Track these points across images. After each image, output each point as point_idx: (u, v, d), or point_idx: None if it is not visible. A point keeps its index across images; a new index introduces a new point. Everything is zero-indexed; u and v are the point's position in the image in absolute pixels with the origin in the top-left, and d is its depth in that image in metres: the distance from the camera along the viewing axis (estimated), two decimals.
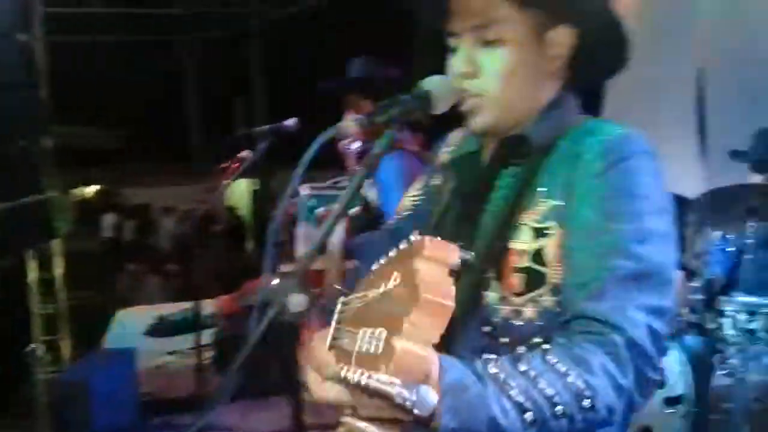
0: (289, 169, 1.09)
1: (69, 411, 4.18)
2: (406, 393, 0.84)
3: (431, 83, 1.20)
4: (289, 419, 3.39)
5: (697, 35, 5.20)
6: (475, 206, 1.25)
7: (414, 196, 1.50)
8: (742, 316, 3.30)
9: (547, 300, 1.12)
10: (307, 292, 0.94)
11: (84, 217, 11.75)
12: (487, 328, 1.16)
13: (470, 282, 1.15)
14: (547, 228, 1.14)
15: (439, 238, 0.97)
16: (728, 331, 3.34)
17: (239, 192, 14.81)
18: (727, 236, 3.45)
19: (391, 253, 1.03)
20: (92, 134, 16.30)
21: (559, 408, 0.98)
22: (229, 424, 4.21)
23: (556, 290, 1.12)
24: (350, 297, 1.14)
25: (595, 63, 1.27)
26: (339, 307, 1.15)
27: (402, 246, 1.01)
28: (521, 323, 1.13)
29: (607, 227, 1.09)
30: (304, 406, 3.30)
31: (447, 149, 1.45)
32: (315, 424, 3.25)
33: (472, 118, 1.24)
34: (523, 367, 1.00)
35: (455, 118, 1.27)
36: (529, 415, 0.96)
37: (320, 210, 2.52)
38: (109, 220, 12.50)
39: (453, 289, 0.93)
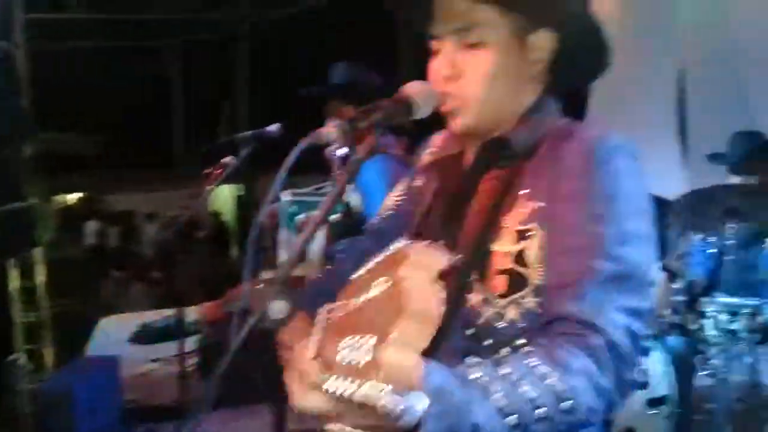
0: (273, 174, 1.08)
1: (52, 419, 4.13)
2: (393, 402, 0.84)
3: (412, 88, 1.21)
4: (272, 427, 3.37)
5: (678, 37, 5.24)
6: (458, 208, 1.26)
7: (397, 196, 1.51)
8: (724, 317, 3.33)
9: (530, 301, 1.13)
10: (289, 299, 0.93)
11: (66, 224, 11.68)
12: (470, 331, 1.16)
13: (453, 284, 1.15)
14: (529, 230, 1.15)
15: (426, 243, 0.96)
16: (710, 331, 3.36)
17: (223, 198, 14.78)
18: (708, 237, 3.47)
19: (377, 260, 1.02)
20: (75, 140, 16.20)
21: (540, 410, 0.99)
22: None
23: (538, 291, 1.12)
24: (335, 304, 1.13)
25: (576, 67, 1.28)
26: (324, 314, 1.14)
27: (388, 252, 1.00)
28: (504, 325, 1.13)
29: (588, 229, 1.10)
30: (286, 414, 3.28)
31: (429, 151, 1.46)
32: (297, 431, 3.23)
33: (454, 120, 1.25)
34: (504, 371, 1.00)
35: (439, 121, 1.28)
36: (511, 419, 0.97)
37: (300, 217, 2.51)
38: (91, 226, 12.41)
39: (441, 296, 0.92)
